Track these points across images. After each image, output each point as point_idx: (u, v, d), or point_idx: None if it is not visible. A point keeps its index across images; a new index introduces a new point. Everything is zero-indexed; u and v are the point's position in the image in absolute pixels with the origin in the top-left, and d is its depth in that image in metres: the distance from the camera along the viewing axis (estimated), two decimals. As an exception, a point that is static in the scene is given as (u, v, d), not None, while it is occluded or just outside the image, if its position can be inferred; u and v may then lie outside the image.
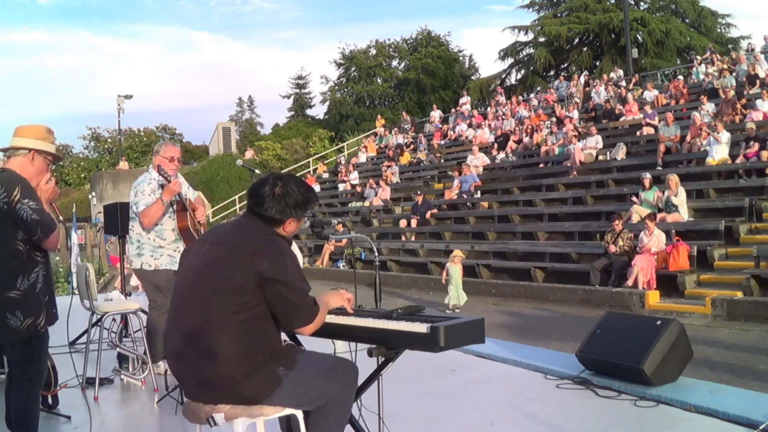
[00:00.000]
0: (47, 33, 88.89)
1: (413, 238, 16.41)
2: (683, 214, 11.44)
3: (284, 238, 2.66)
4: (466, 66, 44.14)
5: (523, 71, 36.87)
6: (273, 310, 2.50)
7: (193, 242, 2.80)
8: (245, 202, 2.80)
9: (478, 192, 16.95)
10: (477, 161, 18.29)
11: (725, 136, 12.95)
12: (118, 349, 5.47)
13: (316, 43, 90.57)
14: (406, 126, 27.08)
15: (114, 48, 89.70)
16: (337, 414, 2.65)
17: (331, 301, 2.83)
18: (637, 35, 31.41)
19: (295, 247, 2.81)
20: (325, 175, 26.35)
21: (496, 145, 19.69)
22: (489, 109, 25.31)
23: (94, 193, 28.39)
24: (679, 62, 29.02)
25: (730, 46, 30.84)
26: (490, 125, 22.11)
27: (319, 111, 47.41)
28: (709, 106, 15.32)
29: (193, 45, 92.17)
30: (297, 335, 3.01)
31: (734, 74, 17.30)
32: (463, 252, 14.17)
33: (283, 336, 2.83)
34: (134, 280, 10.43)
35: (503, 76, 37.72)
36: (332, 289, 2.95)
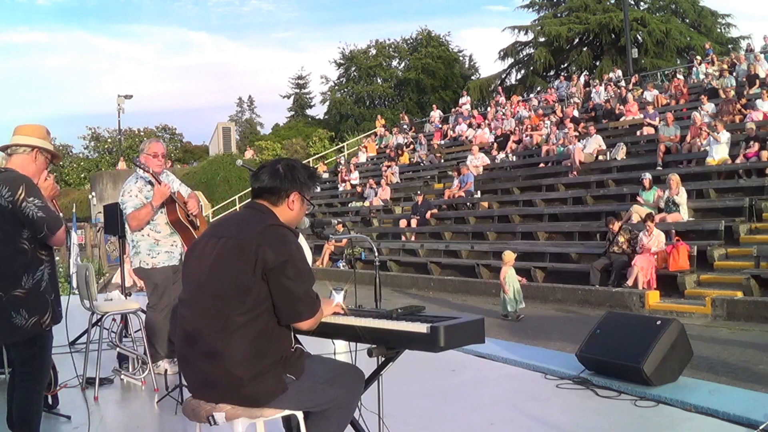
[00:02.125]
0: (46, 33, 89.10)
1: (413, 238, 16.41)
2: (683, 214, 11.45)
3: (290, 229, 2.62)
4: (466, 66, 44.18)
5: (523, 71, 36.88)
6: (275, 301, 2.46)
7: (199, 237, 2.75)
8: (245, 202, 2.78)
9: (478, 192, 16.95)
10: (477, 161, 18.28)
11: (725, 136, 12.95)
12: (118, 349, 5.47)
13: (314, 44, 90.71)
14: (405, 126, 27.11)
15: (113, 48, 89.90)
16: (339, 417, 2.64)
17: (325, 310, 2.80)
18: (637, 35, 31.43)
19: (302, 239, 2.77)
20: (325, 175, 26.34)
21: (496, 145, 19.69)
22: (489, 109, 25.31)
23: (94, 193, 28.40)
24: (679, 62, 29.02)
25: (730, 46, 30.86)
26: (490, 125, 22.11)
27: (319, 111, 47.51)
28: (709, 106, 15.32)
29: (192, 45, 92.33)
30: (298, 337, 3.01)
31: (734, 74, 17.31)
32: (464, 252, 14.24)
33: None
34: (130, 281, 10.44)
35: (503, 76, 37.73)
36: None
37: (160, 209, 4.95)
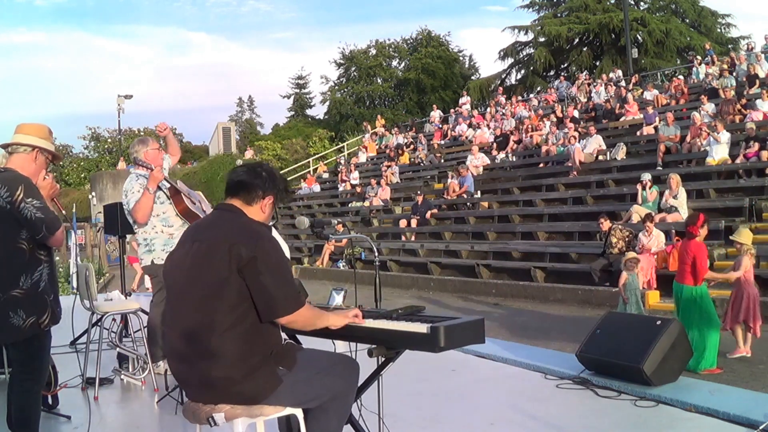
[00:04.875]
0: (44, 34, 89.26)
1: (413, 238, 16.40)
2: (683, 215, 11.43)
3: (262, 224, 2.61)
4: (466, 66, 44.16)
5: (523, 71, 36.87)
6: (253, 297, 2.43)
7: (175, 246, 2.73)
8: (217, 204, 2.77)
9: (478, 192, 16.96)
10: (477, 161, 18.28)
11: (725, 136, 12.94)
12: (118, 349, 5.47)
13: (312, 44, 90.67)
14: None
15: (112, 48, 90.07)
16: (337, 410, 2.64)
17: (332, 319, 2.71)
18: (637, 35, 31.41)
19: (276, 234, 2.77)
20: (325, 175, 26.34)
21: (495, 145, 19.69)
22: (489, 109, 25.33)
23: (94, 193, 28.39)
24: (679, 62, 29.02)
25: (730, 46, 30.86)
26: (489, 125, 22.11)
27: (319, 111, 47.49)
28: (709, 106, 15.31)
29: (191, 45, 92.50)
30: (297, 334, 3.01)
31: (734, 74, 17.30)
32: (464, 252, 14.23)
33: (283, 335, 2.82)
34: (147, 282, 10.43)
35: (503, 76, 37.73)
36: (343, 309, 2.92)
37: (169, 202, 4.93)
